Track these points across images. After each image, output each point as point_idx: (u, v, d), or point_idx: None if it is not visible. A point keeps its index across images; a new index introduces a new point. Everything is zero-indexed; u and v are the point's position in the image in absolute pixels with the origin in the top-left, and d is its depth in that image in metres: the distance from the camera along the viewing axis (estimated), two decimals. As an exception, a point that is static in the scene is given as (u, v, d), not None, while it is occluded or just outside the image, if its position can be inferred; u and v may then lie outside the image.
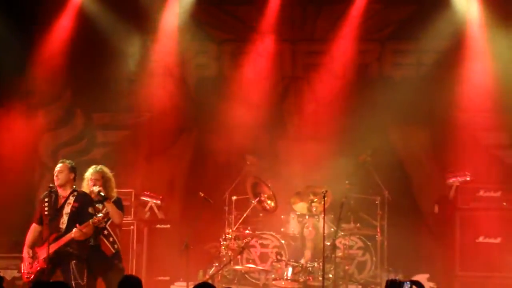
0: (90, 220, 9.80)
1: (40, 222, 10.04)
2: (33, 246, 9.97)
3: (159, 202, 13.15)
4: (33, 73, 13.92)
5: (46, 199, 10.01)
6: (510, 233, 12.40)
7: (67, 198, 9.98)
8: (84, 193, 10.16)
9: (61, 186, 9.99)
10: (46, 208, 9.96)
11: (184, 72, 14.38)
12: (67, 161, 10.14)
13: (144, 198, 13.16)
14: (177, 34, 14.09)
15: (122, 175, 13.79)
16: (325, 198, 11.30)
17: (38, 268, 9.81)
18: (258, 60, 14.30)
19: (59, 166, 10.06)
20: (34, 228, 10.09)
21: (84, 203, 9.99)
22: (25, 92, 13.95)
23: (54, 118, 14.33)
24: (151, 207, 13.15)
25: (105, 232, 10.26)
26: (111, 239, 10.29)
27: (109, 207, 10.16)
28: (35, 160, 14.22)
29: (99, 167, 10.44)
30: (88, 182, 10.29)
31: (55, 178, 10.02)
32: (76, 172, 10.16)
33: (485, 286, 12.20)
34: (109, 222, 10.25)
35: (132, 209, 12.89)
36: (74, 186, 10.07)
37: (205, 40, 14.29)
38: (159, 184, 13.92)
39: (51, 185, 10.10)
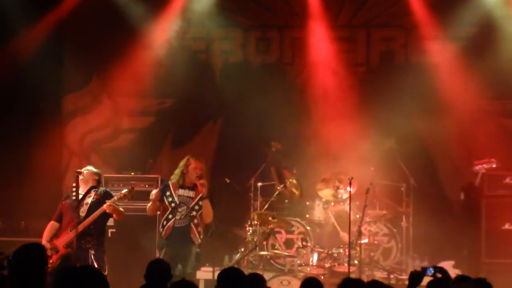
0: (116, 196, 10.00)
1: (59, 220, 10.13)
2: (50, 240, 10.04)
3: (185, 188, 13.18)
4: (60, 59, 13.98)
5: (67, 197, 10.15)
6: (536, 220, 12.37)
7: (88, 191, 10.11)
8: (106, 189, 10.34)
9: (85, 183, 10.13)
10: (66, 203, 10.08)
11: (209, 59, 14.40)
12: (94, 169, 10.32)
13: (171, 184, 13.19)
14: (203, 20, 14.09)
15: (148, 161, 13.94)
16: (351, 185, 11.30)
17: (60, 256, 9.88)
18: (284, 47, 14.30)
19: (85, 171, 10.19)
20: (51, 225, 10.19)
21: (105, 196, 10.13)
22: (52, 79, 13.99)
23: (81, 104, 14.40)
24: (176, 193, 13.19)
25: (196, 221, 10.45)
26: (199, 229, 10.51)
27: (206, 204, 10.45)
28: (62, 146, 14.30)
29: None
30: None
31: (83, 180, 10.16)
32: (100, 177, 10.38)
33: (511, 273, 12.13)
34: (200, 212, 10.46)
35: (158, 195, 12.91)
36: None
37: (231, 26, 14.28)
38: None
39: (79, 170, 10.20)
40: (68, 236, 9.92)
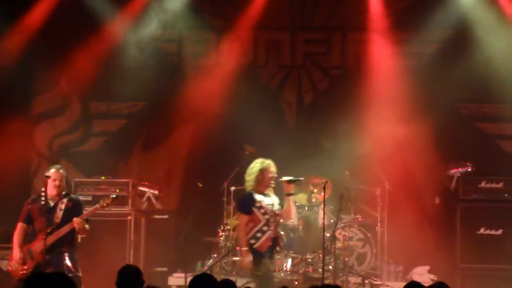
0: (93, 207, 9.80)
1: (27, 222, 9.88)
2: (22, 246, 9.80)
3: (156, 192, 13.06)
4: (28, 62, 13.76)
5: (35, 201, 9.91)
6: (512, 225, 12.32)
7: (60, 198, 9.89)
8: (78, 198, 10.11)
9: (58, 194, 9.87)
10: (35, 207, 9.85)
11: (181, 61, 14.26)
12: (62, 169, 9.97)
13: (142, 188, 13.06)
14: (175, 21, 13.95)
15: (119, 165, 13.78)
16: (325, 189, 11.18)
17: (35, 263, 9.68)
18: (257, 49, 14.20)
19: (57, 175, 9.90)
20: (21, 228, 9.89)
21: (78, 204, 9.96)
22: (20, 81, 13.77)
23: (50, 107, 14.19)
24: (148, 198, 13.07)
25: (265, 228, 10.07)
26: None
27: (290, 201, 10.13)
28: (31, 149, 14.08)
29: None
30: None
31: (53, 184, 9.86)
32: (68, 178, 10.24)
33: (486, 278, 12.11)
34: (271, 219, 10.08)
35: (130, 200, 12.77)
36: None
37: (204, 28, 14.14)
38: (157, 174, 13.84)
39: (47, 175, 9.96)
40: (42, 243, 9.68)
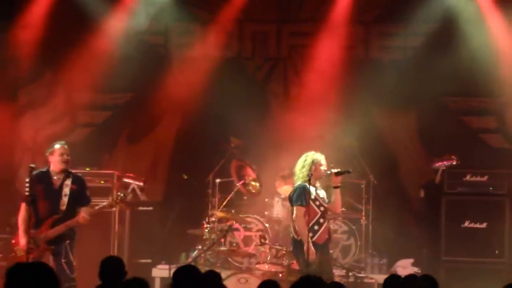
0: (101, 205, 9.97)
1: (31, 203, 9.76)
2: (28, 231, 9.74)
3: (141, 184, 13.01)
4: (12, 51, 13.68)
5: (35, 178, 9.80)
6: (496, 218, 12.34)
7: (64, 179, 9.83)
8: (81, 176, 10.15)
9: (64, 170, 9.84)
10: (37, 187, 9.78)
11: (167, 53, 14.21)
12: (66, 145, 10.01)
13: (127, 180, 13.00)
14: (161, 13, 13.90)
15: (104, 157, 13.73)
16: (310, 181, 11.16)
17: (40, 252, 9.68)
18: (244, 41, 14.17)
19: (64, 149, 9.90)
20: (26, 211, 9.77)
21: (83, 186, 10.00)
22: (4, 71, 13.70)
23: (34, 98, 14.12)
24: (133, 189, 13.01)
25: (321, 220, 10.08)
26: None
27: (339, 194, 10.13)
28: (16, 140, 14.02)
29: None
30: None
31: (61, 159, 9.84)
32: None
33: (470, 272, 12.13)
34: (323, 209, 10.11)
35: (114, 191, 12.72)
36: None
37: (190, 20, 14.10)
38: (142, 166, 13.81)
39: (32, 165, 9.92)
40: (48, 233, 9.72)
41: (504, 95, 13.47)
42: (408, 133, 13.75)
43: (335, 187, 10.17)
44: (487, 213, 12.36)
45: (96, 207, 10.01)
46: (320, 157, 10.15)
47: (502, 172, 12.67)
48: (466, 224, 12.40)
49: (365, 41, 14.07)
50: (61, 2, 13.55)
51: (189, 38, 14.17)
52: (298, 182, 10.17)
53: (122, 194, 10.26)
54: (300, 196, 10.07)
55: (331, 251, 12.03)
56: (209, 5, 14.12)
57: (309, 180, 9.97)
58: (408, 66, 13.53)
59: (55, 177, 9.93)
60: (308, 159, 10.13)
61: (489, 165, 12.94)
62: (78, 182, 10.02)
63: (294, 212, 10.20)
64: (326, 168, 10.14)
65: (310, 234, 9.95)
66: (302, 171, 10.11)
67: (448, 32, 13.34)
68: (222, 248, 11.77)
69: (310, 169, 10.06)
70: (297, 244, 10.14)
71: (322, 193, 10.21)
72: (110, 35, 13.75)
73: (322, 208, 10.06)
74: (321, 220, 10.04)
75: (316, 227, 10.02)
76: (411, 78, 13.42)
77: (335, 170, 10.18)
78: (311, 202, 9.99)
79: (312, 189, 10.04)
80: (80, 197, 9.96)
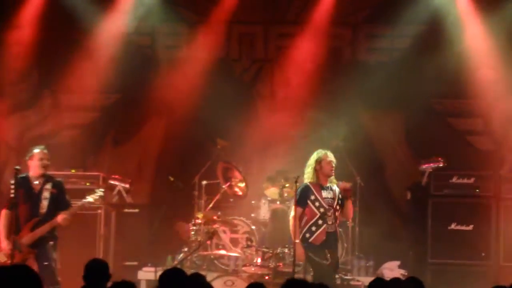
0: (80, 203, 9.94)
1: (11, 207, 9.77)
2: (9, 236, 9.72)
3: (127, 186, 12.99)
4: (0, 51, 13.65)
5: (16, 183, 9.77)
6: (483, 221, 12.36)
7: (43, 184, 9.81)
8: (61, 180, 10.15)
9: (44, 174, 9.84)
10: (18, 192, 9.75)
11: (155, 54, 14.18)
12: (45, 149, 10.00)
13: (112, 182, 12.98)
14: (148, 14, 13.86)
15: (90, 158, 13.69)
16: (297, 184, 11.15)
17: (24, 257, 9.64)
18: (229, 43, 14.15)
19: (44, 153, 9.87)
20: (7, 215, 9.80)
21: (63, 190, 10.00)
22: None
23: (21, 99, 14.06)
24: (119, 191, 12.99)
25: (338, 221, 10.02)
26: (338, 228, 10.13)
27: (349, 204, 10.09)
28: (1, 142, 13.96)
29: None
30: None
31: (41, 164, 9.82)
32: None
33: (456, 274, 12.15)
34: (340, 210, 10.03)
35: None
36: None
37: (177, 21, 14.07)
38: (128, 168, 13.77)
39: (17, 167, 9.88)
40: (29, 236, 9.69)
41: (490, 97, 13.51)
42: (395, 135, 13.76)
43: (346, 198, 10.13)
44: (474, 215, 12.39)
45: (75, 206, 9.97)
46: (325, 154, 10.01)
47: (489, 174, 12.71)
48: (453, 226, 12.42)
49: (352, 43, 14.09)
50: (50, 4, 13.53)
51: (176, 40, 14.16)
52: (303, 182, 10.10)
53: (101, 191, 10.19)
54: (299, 197, 10.01)
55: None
56: (196, 6, 14.11)
57: (316, 176, 9.89)
58: (395, 67, 13.54)
59: (35, 182, 9.91)
60: (312, 158, 10.05)
61: (475, 167, 12.97)
62: (58, 187, 10.00)
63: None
64: (334, 163, 9.97)
65: (307, 235, 9.90)
66: (307, 171, 10.05)
67: (434, 34, 13.37)
68: (209, 251, 11.75)
69: (314, 168, 9.98)
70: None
71: (329, 194, 10.07)
72: (98, 37, 13.71)
73: (322, 210, 9.93)
74: (320, 222, 9.92)
75: (313, 228, 9.93)
76: (397, 79, 13.43)
77: (346, 186, 10.11)
78: (310, 203, 9.93)
79: (316, 189, 9.96)
80: (59, 201, 9.94)
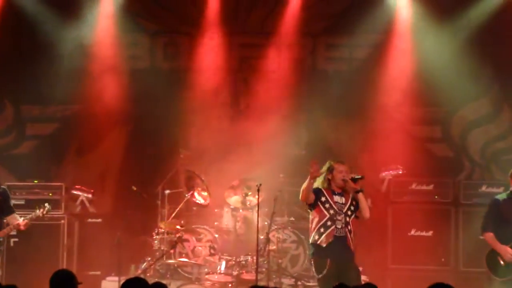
0: (34, 214, 10.23)
1: None
2: None
3: (90, 196, 12.99)
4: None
5: None
6: (442, 227, 12.56)
7: None
8: (5, 188, 10.43)
9: None
10: None
11: (117, 64, 14.19)
12: None
13: (75, 192, 12.98)
14: (110, 24, 13.88)
15: (52, 169, 13.67)
16: (259, 192, 11.25)
17: None
18: (193, 53, 14.20)
19: None
20: None
21: (8, 197, 10.29)
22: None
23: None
24: (82, 201, 12.99)
25: (349, 227, 9.91)
26: (352, 235, 9.97)
27: (362, 197, 9.93)
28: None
29: None
30: None
31: None
32: None
33: (416, 279, 12.24)
34: (352, 216, 9.94)
35: (63, 203, 12.73)
36: None
37: (138, 32, 14.11)
38: (91, 178, 13.75)
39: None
40: None
41: (449, 105, 13.72)
42: (355, 142, 13.86)
43: (356, 192, 10.13)
44: (433, 221, 12.56)
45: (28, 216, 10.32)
46: (338, 163, 10.07)
47: (447, 180, 12.90)
48: (413, 232, 12.59)
49: (313, 53, 14.21)
50: (8, 14, 13.47)
51: (138, 50, 14.18)
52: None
53: (48, 206, 10.40)
54: (314, 194, 9.96)
55: (280, 261, 12.11)
56: (157, 17, 14.15)
57: (329, 184, 9.95)
58: (353, 76, 13.70)
59: None
60: (326, 166, 10.05)
61: (434, 174, 13.14)
62: (3, 194, 10.27)
63: None
64: (345, 174, 9.98)
65: (316, 237, 9.89)
66: (319, 178, 10.06)
67: (392, 43, 13.54)
68: (171, 260, 11.79)
69: (325, 176, 9.95)
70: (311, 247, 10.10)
71: (341, 199, 9.93)
72: (59, 47, 13.70)
73: (332, 212, 9.85)
74: (329, 223, 9.84)
75: (322, 230, 9.85)
76: (356, 88, 13.58)
77: (351, 176, 10.14)
78: (320, 204, 9.89)
79: (328, 193, 9.94)
80: (4, 207, 10.21)
